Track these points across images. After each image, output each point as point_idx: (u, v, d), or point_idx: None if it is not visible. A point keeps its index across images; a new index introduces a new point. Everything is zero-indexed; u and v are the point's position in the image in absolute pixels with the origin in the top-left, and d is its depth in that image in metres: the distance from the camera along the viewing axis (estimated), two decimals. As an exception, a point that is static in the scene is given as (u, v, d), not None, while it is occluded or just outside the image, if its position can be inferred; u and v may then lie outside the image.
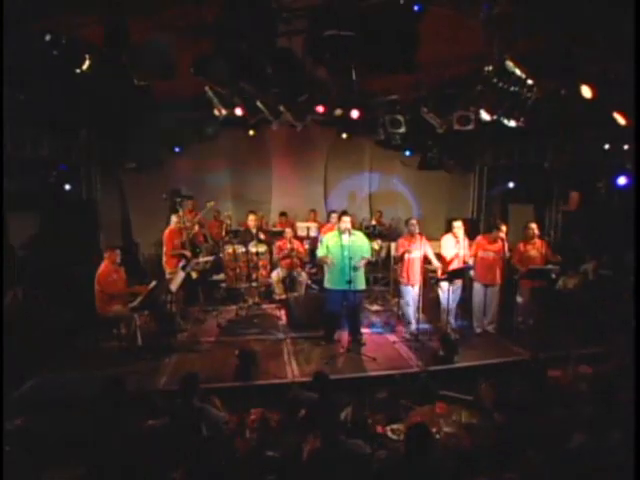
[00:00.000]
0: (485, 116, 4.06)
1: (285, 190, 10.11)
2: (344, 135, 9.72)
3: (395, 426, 4.46)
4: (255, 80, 3.76)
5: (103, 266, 5.86)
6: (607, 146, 7.11)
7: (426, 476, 3.11)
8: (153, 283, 6.12)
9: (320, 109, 8.80)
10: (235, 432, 4.20)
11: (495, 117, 4.04)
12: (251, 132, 9.44)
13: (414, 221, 6.47)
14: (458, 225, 6.46)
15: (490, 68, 3.58)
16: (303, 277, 7.92)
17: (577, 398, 4.35)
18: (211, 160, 9.82)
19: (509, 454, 3.72)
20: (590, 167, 7.70)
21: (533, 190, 9.62)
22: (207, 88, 5.08)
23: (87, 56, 4.27)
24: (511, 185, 8.89)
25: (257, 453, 4.02)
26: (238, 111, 8.06)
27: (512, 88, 3.80)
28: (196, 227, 7.65)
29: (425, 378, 5.33)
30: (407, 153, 10.14)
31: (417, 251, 6.35)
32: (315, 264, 8.53)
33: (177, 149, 9.52)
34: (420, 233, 6.38)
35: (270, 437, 4.19)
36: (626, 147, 6.86)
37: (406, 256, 6.39)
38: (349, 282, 5.72)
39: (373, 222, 9.39)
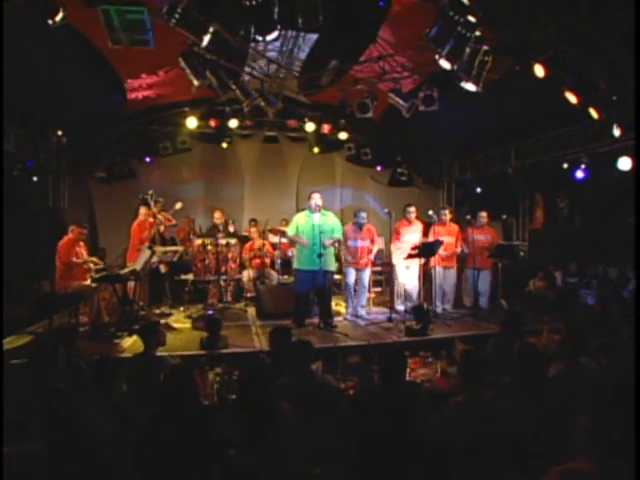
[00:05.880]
0: (445, 64, 4.25)
1: (257, 204, 10.13)
2: (315, 150, 9.95)
3: (368, 390, 4.28)
4: (226, 16, 3.90)
5: (65, 239, 5.59)
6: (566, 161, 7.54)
7: (401, 401, 2.97)
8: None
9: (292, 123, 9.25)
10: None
11: (455, 67, 4.24)
12: (224, 145, 9.57)
13: (364, 214, 6.67)
14: (412, 210, 6.86)
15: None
16: (273, 276, 7.77)
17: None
18: (183, 172, 9.84)
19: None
20: (551, 168, 8.02)
21: (500, 207, 10.00)
22: (180, 59, 5.19)
23: (61, 8, 4.34)
24: (478, 190, 9.16)
25: (220, 398, 3.77)
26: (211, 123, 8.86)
27: (468, 34, 4.03)
28: (162, 227, 7.48)
29: (399, 347, 5.16)
30: (378, 168, 10.45)
31: (364, 241, 6.61)
32: (284, 269, 8.40)
33: (148, 159, 9.55)
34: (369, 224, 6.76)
35: (232, 384, 3.94)
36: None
37: (351, 243, 6.54)
38: (320, 256, 5.64)
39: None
